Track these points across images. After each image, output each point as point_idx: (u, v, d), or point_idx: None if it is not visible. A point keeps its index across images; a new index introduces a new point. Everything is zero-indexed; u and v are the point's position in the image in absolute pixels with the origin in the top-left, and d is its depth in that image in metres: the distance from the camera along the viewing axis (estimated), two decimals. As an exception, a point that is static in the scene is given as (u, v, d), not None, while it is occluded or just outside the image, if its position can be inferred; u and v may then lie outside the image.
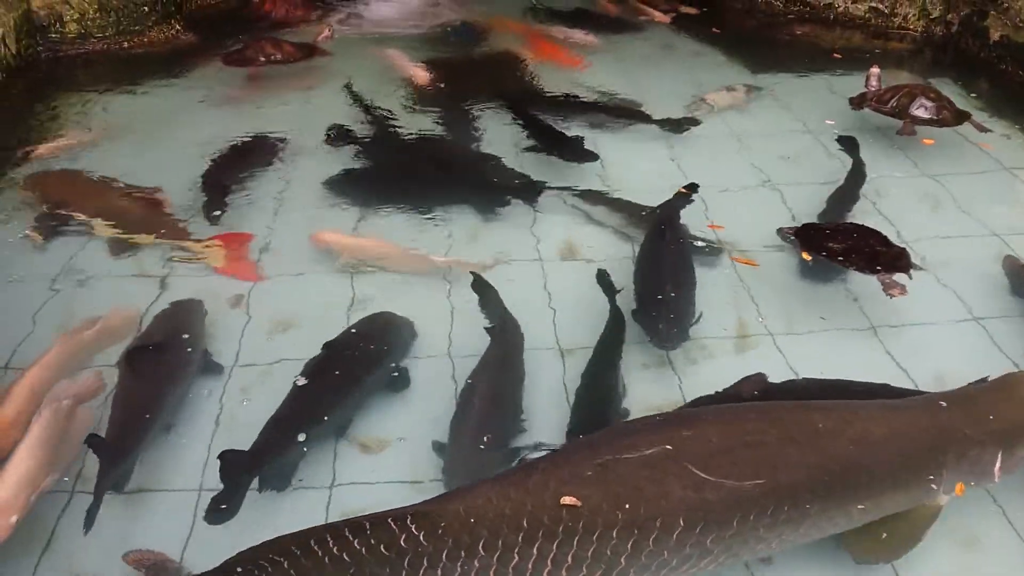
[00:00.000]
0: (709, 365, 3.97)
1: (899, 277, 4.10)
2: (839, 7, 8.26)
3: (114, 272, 4.54)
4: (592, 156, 5.48)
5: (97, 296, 4.36)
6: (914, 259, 4.20)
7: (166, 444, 3.48)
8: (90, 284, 4.46)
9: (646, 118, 6.06)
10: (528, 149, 5.67)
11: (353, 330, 3.91)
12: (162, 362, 3.65)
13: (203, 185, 5.16)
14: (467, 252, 4.68)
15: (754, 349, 4.08)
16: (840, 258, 4.19)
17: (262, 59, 6.63)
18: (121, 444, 3.25)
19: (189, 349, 3.76)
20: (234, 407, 3.70)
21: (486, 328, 3.93)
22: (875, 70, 6.08)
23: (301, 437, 3.30)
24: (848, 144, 5.61)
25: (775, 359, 3.99)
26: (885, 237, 4.33)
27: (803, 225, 4.56)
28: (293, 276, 4.54)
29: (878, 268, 4.10)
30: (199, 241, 4.74)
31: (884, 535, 2.93)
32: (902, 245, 4.28)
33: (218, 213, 4.92)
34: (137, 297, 4.32)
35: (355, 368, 3.66)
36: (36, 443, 3.20)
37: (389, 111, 6.20)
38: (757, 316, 4.28)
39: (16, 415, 3.40)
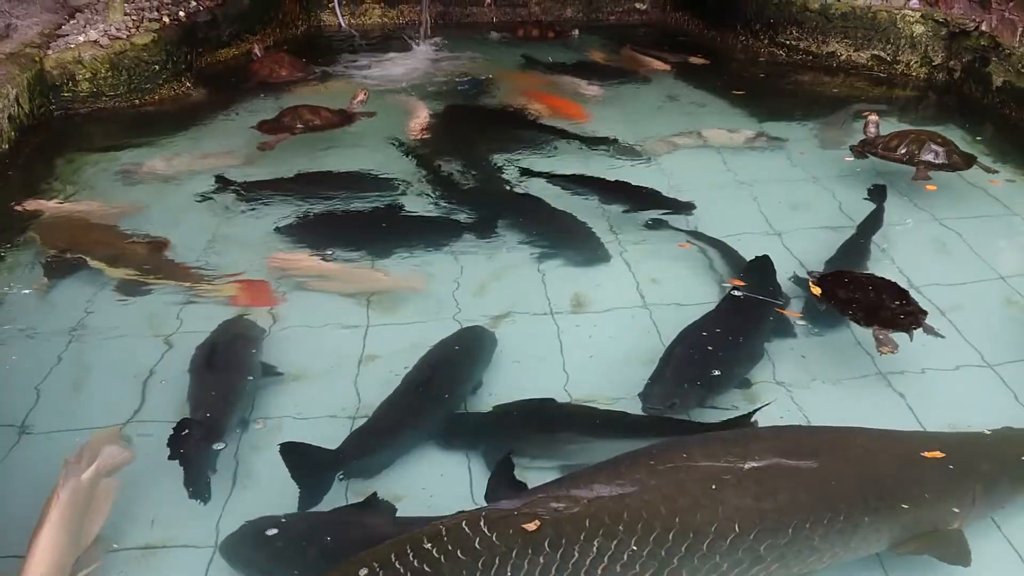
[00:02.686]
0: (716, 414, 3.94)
1: (898, 335, 4.05)
2: (842, 55, 8.35)
3: (122, 328, 4.56)
4: (690, 206, 5.51)
5: (106, 351, 4.39)
6: (927, 322, 4.10)
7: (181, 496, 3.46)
8: (96, 338, 4.49)
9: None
10: (626, 210, 5.55)
11: (449, 343, 4.19)
12: (236, 359, 4.07)
13: None
14: (475, 307, 4.68)
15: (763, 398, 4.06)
16: (843, 307, 4.18)
17: (300, 126, 6.46)
18: (211, 429, 3.59)
19: (253, 351, 4.16)
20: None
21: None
22: (873, 117, 6.13)
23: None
24: (877, 192, 5.65)
25: (788, 407, 3.98)
26: (905, 293, 4.24)
27: (833, 272, 4.53)
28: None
29: (874, 323, 4.07)
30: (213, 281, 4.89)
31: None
32: (917, 303, 4.19)
33: None
34: (143, 356, 4.33)
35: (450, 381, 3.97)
36: (54, 532, 2.95)
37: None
38: (768, 365, 4.26)
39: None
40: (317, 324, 4.58)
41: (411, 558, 2.52)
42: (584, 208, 5.60)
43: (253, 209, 5.67)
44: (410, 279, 4.90)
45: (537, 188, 5.87)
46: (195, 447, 3.50)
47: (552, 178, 5.86)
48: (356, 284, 4.86)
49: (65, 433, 3.81)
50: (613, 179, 5.88)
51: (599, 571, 2.59)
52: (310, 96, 7.47)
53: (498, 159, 6.46)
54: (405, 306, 4.73)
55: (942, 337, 4.06)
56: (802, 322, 4.39)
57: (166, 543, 3.31)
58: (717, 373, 3.95)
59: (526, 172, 6.06)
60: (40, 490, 3.38)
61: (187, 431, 3.55)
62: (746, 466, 2.87)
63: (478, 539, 2.56)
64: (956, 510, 3.08)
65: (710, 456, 2.92)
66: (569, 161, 6.29)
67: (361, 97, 6.85)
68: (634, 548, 2.61)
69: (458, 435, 3.76)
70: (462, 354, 4.15)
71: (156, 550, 3.28)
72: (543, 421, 3.73)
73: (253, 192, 5.79)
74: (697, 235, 5.25)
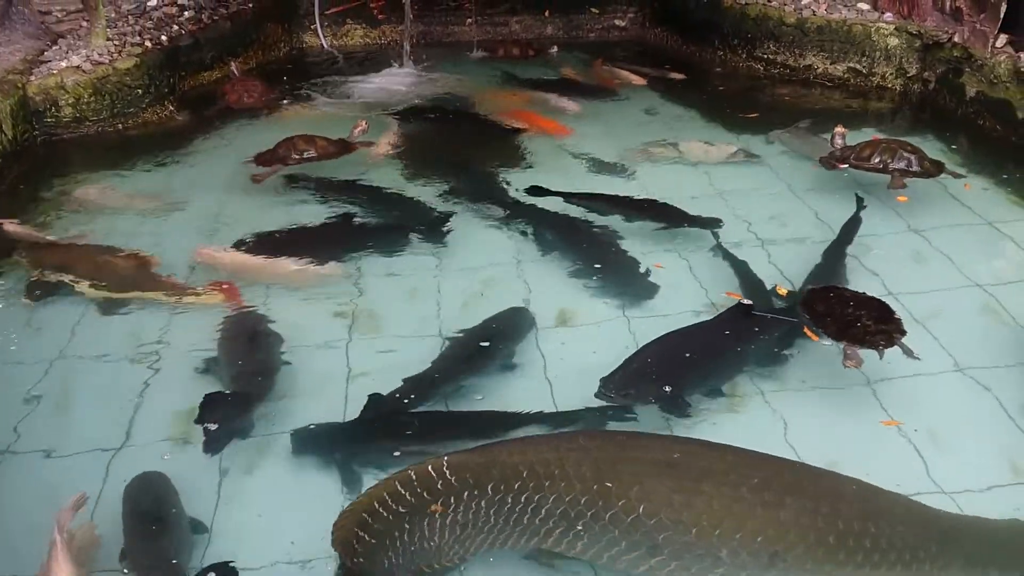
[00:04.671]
0: (698, 424, 4.00)
1: (865, 352, 4.10)
2: (818, 68, 8.45)
3: (108, 350, 4.60)
4: (716, 222, 5.54)
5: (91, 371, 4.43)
6: (903, 342, 4.12)
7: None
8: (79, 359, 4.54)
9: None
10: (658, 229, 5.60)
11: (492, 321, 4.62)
12: (262, 338, 4.53)
13: None
14: (458, 322, 4.72)
15: (742, 409, 4.12)
16: (819, 320, 4.24)
17: (295, 156, 6.37)
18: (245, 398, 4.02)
19: (271, 337, 4.55)
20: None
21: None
22: (840, 129, 6.24)
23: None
24: (855, 203, 5.73)
25: (767, 417, 4.05)
26: (888, 313, 4.26)
27: (822, 287, 4.57)
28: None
29: (843, 338, 4.12)
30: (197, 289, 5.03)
31: None
32: (898, 323, 4.20)
33: None
34: (129, 378, 4.37)
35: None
36: None
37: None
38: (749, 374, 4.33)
39: None
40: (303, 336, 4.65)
41: (390, 503, 3.07)
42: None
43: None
44: (325, 271, 5.18)
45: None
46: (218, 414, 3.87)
47: (570, 197, 5.90)
48: (274, 276, 5.16)
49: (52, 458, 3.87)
50: (637, 197, 5.93)
51: (535, 507, 3.08)
52: (286, 122, 7.51)
53: (480, 176, 6.54)
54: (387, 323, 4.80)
55: (917, 360, 4.08)
56: (826, 342, 4.29)
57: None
58: (681, 375, 4.04)
59: (538, 190, 6.04)
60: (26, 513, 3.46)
61: (216, 403, 3.93)
62: None
63: (440, 481, 3.11)
64: None
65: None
66: (550, 176, 6.33)
67: (362, 127, 6.79)
68: (558, 493, 3.07)
69: (312, 446, 3.87)
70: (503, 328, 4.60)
71: None
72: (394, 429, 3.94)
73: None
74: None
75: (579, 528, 3.05)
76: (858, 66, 8.26)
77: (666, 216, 5.63)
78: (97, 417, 4.12)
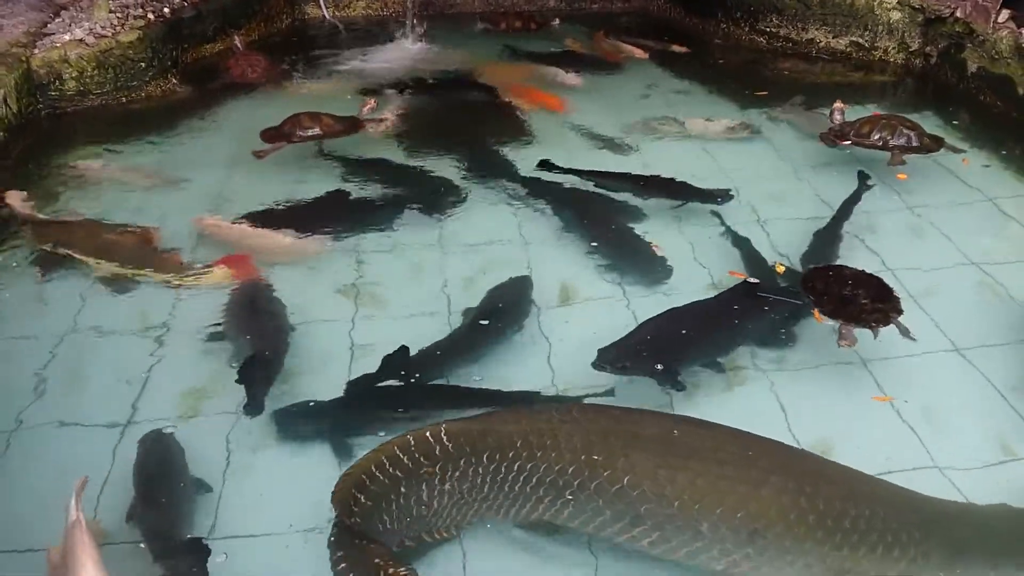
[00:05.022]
0: (698, 396, 4.09)
1: (861, 331, 4.16)
2: (821, 42, 8.45)
3: (115, 325, 4.67)
4: (728, 195, 5.60)
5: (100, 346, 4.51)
6: (899, 321, 4.19)
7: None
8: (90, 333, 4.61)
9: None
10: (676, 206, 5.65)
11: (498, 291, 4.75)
12: (277, 308, 4.69)
13: None
14: (463, 299, 4.79)
15: (740, 385, 4.20)
16: (817, 298, 4.30)
17: (299, 133, 6.30)
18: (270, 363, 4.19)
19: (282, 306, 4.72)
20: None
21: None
22: (839, 105, 6.28)
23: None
24: (856, 179, 5.78)
25: (763, 392, 4.13)
26: (886, 292, 4.30)
27: (824, 266, 4.64)
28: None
29: (839, 316, 4.18)
30: (201, 268, 5.06)
31: None
32: (895, 302, 4.26)
33: None
34: (136, 352, 4.45)
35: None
36: None
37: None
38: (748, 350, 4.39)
39: None
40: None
41: (388, 467, 3.18)
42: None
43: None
44: (309, 245, 5.30)
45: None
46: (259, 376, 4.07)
47: (581, 174, 5.94)
48: (267, 248, 5.25)
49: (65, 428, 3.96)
50: (647, 173, 5.96)
51: (527, 476, 3.19)
52: (289, 98, 7.51)
53: (481, 151, 6.57)
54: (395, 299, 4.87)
55: (913, 340, 4.16)
56: (828, 323, 4.33)
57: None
58: (678, 350, 4.12)
59: (546, 165, 6.07)
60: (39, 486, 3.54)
61: (252, 362, 4.14)
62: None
63: (438, 447, 3.22)
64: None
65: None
66: (551, 151, 6.35)
67: (371, 104, 6.76)
68: (548, 462, 3.18)
69: (301, 421, 3.98)
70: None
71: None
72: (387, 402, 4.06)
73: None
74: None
75: (568, 497, 3.15)
76: (860, 40, 8.26)
77: (677, 192, 5.68)
78: (106, 392, 4.19)
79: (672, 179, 5.82)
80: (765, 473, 3.10)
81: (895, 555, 3.01)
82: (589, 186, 5.87)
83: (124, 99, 7.36)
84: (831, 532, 3.00)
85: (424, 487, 3.21)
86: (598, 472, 3.12)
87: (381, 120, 6.84)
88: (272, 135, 6.34)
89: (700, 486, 3.04)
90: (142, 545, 3.33)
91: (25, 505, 3.60)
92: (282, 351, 4.36)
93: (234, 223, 5.46)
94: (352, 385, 4.14)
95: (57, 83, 7.08)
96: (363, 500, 3.12)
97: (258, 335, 4.44)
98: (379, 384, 4.12)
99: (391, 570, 2.94)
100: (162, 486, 3.54)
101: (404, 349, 4.24)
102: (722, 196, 5.59)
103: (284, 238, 5.32)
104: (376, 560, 2.98)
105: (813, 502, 3.03)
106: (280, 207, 5.70)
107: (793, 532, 2.99)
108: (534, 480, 3.18)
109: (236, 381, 4.03)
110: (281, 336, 4.48)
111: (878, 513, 3.06)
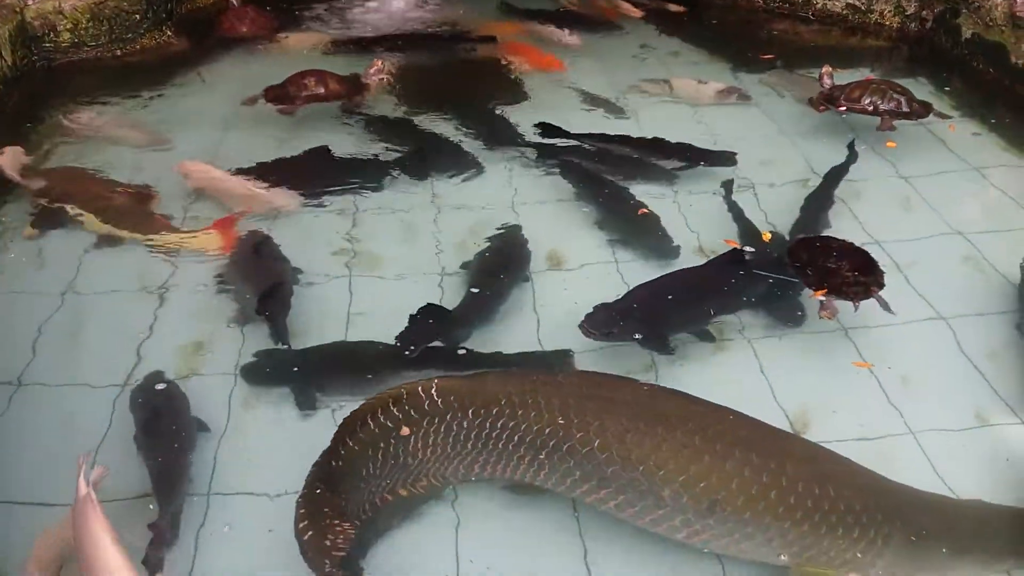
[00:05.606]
0: (682, 364, 4.19)
1: (841, 303, 4.24)
2: (817, 3, 8.42)
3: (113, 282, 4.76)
4: (733, 160, 5.69)
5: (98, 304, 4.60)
6: (879, 294, 4.25)
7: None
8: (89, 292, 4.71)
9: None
10: (676, 168, 5.71)
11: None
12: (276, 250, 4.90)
13: None
14: (456, 262, 4.87)
15: (725, 352, 4.30)
16: (799, 269, 4.38)
17: (304, 94, 6.24)
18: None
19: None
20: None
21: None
22: (827, 68, 6.33)
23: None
24: (846, 147, 5.82)
25: (748, 360, 4.24)
26: (870, 264, 4.35)
27: (812, 236, 4.71)
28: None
29: (821, 289, 4.25)
30: (190, 232, 5.11)
31: None
32: (878, 275, 4.30)
33: None
34: (132, 315, 4.52)
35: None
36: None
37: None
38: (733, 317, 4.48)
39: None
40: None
41: (380, 416, 3.31)
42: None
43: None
44: (283, 197, 5.38)
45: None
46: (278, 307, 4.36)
47: (581, 137, 5.98)
48: (239, 194, 5.38)
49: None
50: (649, 136, 6.00)
51: (508, 435, 3.29)
52: (285, 52, 7.56)
53: (476, 111, 6.59)
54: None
55: (893, 314, 4.24)
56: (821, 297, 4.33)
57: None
58: (664, 317, 4.21)
59: (548, 129, 6.10)
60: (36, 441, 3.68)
61: (270, 296, 4.40)
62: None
63: (427, 401, 3.33)
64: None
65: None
66: (544, 113, 6.39)
67: (378, 66, 6.69)
68: (528, 422, 3.28)
69: (265, 374, 4.11)
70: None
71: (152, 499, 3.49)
72: (343, 360, 4.19)
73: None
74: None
75: (542, 456, 3.26)
76: (857, 2, 8.25)
77: (685, 155, 5.75)
78: (106, 349, 4.29)
79: (680, 143, 5.88)
80: (731, 447, 3.14)
81: (855, 535, 3.04)
82: (585, 149, 5.91)
83: (119, 51, 7.39)
84: (792, 509, 3.03)
85: (410, 440, 3.33)
86: (571, 433, 3.21)
87: (388, 83, 6.81)
88: (277, 95, 6.28)
89: (665, 453, 3.12)
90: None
91: (25, 460, 3.71)
92: (290, 288, 4.57)
93: (215, 171, 5.55)
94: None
95: (52, 35, 7.09)
96: (350, 445, 3.27)
97: (266, 275, 4.62)
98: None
99: (337, 524, 3.12)
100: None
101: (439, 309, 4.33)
102: (728, 159, 5.68)
103: (256, 188, 5.41)
104: (326, 509, 3.14)
105: (776, 478, 3.06)
106: (269, 162, 5.75)
107: (754, 506, 3.03)
108: (515, 439, 3.28)
109: (256, 311, 4.31)
110: (288, 274, 4.70)
111: (842, 494, 3.08)
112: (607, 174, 5.60)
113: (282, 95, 6.28)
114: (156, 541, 3.24)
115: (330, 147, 5.93)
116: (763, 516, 3.05)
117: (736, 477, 3.07)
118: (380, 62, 6.80)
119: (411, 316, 4.19)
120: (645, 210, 5.20)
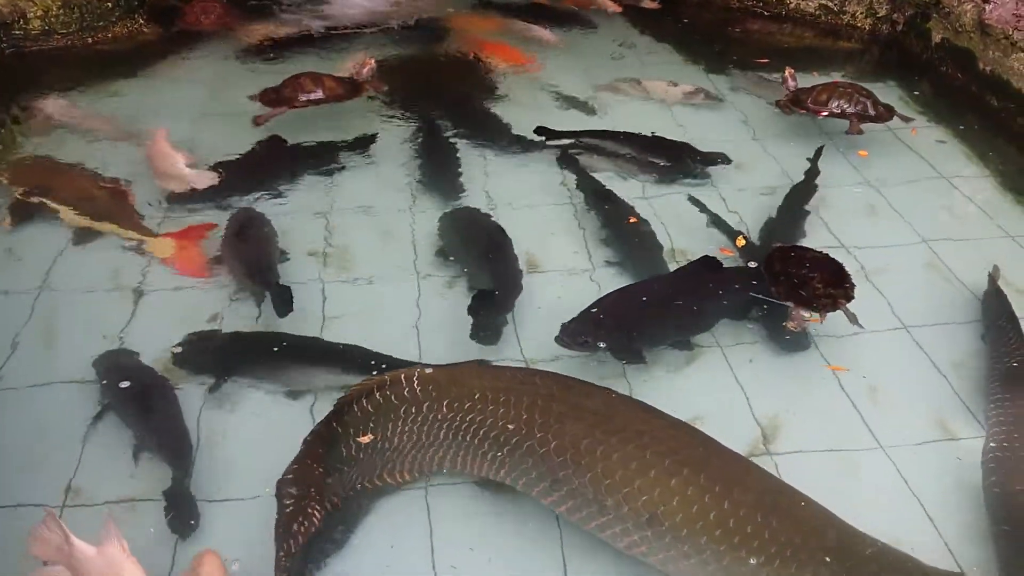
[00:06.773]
0: (653, 372, 4.26)
1: (810, 314, 4.30)
2: (790, 3, 8.51)
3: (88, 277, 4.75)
4: (726, 159, 5.78)
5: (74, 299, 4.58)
6: (847, 307, 4.30)
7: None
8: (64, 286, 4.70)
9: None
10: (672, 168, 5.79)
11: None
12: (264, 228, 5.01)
13: None
14: (432, 267, 4.92)
15: (697, 360, 4.36)
16: (771, 279, 4.43)
17: (301, 98, 6.11)
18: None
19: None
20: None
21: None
22: (790, 71, 6.45)
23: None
24: (814, 153, 5.87)
25: (722, 370, 4.31)
26: (842, 277, 4.39)
27: (788, 246, 4.72)
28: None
29: (789, 299, 4.31)
30: (154, 234, 5.07)
31: None
32: (848, 288, 4.35)
33: None
34: (111, 310, 4.52)
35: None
36: None
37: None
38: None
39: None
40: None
41: (364, 401, 3.46)
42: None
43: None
44: (201, 177, 5.45)
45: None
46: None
47: (576, 135, 6.04)
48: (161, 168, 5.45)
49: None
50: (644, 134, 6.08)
51: (476, 429, 3.40)
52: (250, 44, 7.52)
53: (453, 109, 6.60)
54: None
55: (861, 328, 4.31)
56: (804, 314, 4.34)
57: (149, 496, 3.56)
58: (637, 326, 4.23)
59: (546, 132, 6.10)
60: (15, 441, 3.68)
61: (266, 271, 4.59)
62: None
63: (407, 389, 3.48)
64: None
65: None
66: (519, 111, 6.43)
67: (370, 65, 6.57)
68: (495, 418, 3.39)
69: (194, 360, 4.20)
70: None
71: (137, 503, 3.53)
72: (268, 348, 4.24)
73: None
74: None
75: (504, 453, 3.36)
76: (829, 3, 8.34)
77: (677, 154, 5.83)
78: (82, 347, 4.27)
79: (673, 141, 5.99)
80: (680, 465, 3.14)
81: (792, 570, 2.98)
82: (563, 148, 5.97)
83: (90, 39, 7.32)
84: (730, 533, 3.01)
85: (388, 425, 3.48)
86: (532, 433, 3.30)
87: (382, 85, 6.72)
88: (271, 98, 6.19)
89: (614, 463, 3.17)
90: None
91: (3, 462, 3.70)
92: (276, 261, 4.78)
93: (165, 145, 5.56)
94: None
95: (21, 22, 7.02)
96: (333, 426, 3.43)
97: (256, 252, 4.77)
98: None
99: (311, 509, 3.19)
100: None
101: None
102: (722, 159, 5.77)
103: (183, 167, 5.44)
104: (312, 489, 3.23)
105: (718, 501, 3.05)
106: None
107: (692, 525, 3.04)
108: (481, 433, 3.39)
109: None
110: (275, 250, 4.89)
111: (784, 527, 3.04)
112: (603, 171, 5.74)
113: (277, 99, 6.18)
114: (175, 506, 3.40)
115: (283, 137, 5.99)
116: (699, 536, 3.04)
117: (678, 495, 3.08)
118: (372, 60, 6.67)
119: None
120: (634, 218, 5.24)
